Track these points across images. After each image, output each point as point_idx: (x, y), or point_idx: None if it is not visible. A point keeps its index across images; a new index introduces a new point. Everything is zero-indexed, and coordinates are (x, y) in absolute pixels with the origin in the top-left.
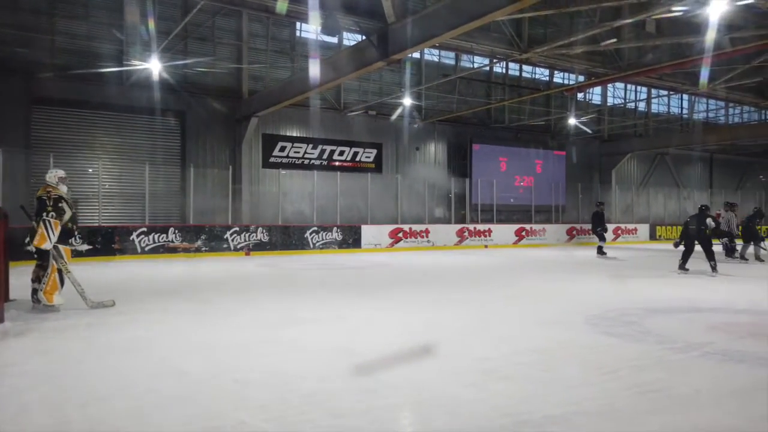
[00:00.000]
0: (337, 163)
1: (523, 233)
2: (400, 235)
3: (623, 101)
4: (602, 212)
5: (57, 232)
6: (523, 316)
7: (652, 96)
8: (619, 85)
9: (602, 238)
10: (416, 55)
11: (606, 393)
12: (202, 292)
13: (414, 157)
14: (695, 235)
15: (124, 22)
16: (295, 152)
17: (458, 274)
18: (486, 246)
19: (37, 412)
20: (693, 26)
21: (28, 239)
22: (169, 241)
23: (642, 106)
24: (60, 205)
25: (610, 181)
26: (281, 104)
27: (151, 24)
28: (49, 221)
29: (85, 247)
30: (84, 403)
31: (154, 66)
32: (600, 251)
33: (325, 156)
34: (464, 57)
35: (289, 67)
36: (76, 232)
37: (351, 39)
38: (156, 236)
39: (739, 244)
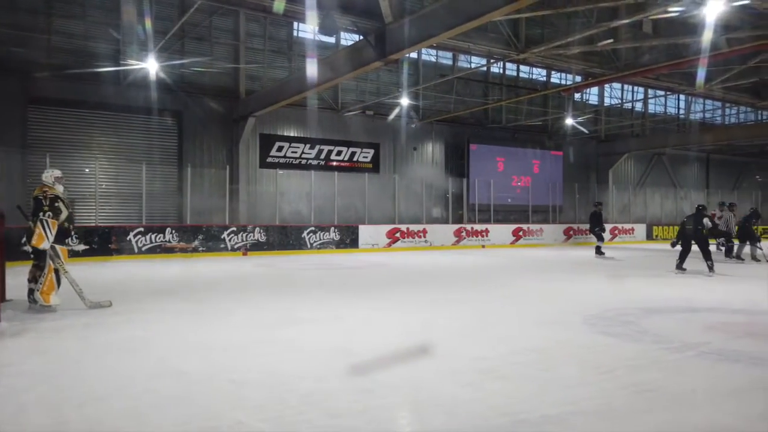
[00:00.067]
0: (334, 163)
1: (521, 233)
2: (398, 235)
3: (620, 101)
4: (600, 212)
5: (54, 231)
6: (520, 315)
7: (649, 96)
8: (616, 85)
9: (600, 238)
10: (413, 55)
11: (603, 392)
12: (199, 292)
13: (411, 157)
14: (692, 235)
15: (121, 22)
16: (292, 152)
17: (456, 274)
18: (483, 246)
19: (35, 412)
20: (689, 27)
21: (24, 239)
22: (166, 241)
23: (639, 106)
24: (56, 204)
25: (607, 181)
26: (278, 104)
27: (148, 23)
28: (46, 221)
29: (82, 247)
30: (82, 403)
31: (151, 66)
32: (598, 251)
33: (322, 156)
34: (461, 57)
35: (286, 67)
36: (72, 232)
37: (348, 39)
38: (153, 236)
39: (735, 244)
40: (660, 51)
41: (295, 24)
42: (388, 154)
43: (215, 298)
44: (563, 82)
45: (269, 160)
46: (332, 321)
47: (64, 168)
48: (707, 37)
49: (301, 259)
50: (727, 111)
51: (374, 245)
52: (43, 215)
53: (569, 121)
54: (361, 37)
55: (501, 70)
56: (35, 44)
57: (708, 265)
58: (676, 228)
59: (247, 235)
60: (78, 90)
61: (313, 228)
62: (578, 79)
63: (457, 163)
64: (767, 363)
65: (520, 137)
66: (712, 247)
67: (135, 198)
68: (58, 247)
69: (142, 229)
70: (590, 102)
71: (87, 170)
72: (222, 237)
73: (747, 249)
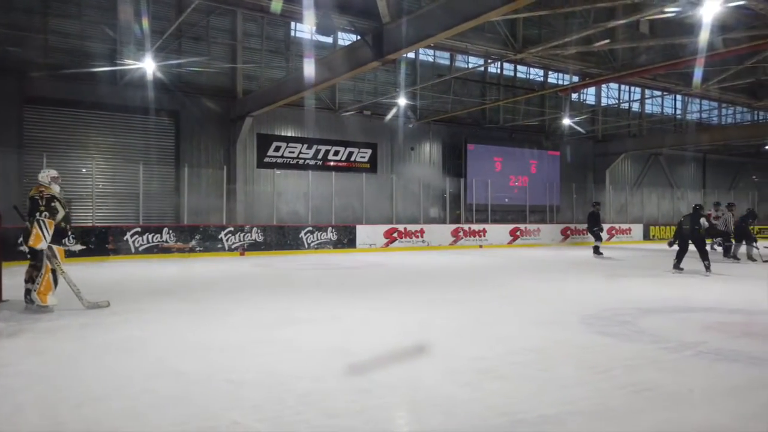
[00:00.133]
0: (332, 163)
1: (518, 233)
2: (395, 235)
3: (617, 102)
4: (598, 212)
5: (51, 231)
6: (518, 315)
7: (646, 96)
8: (613, 85)
9: (598, 238)
10: (411, 55)
11: (600, 392)
12: (196, 293)
13: (409, 157)
14: (689, 235)
15: (118, 22)
16: (289, 152)
17: (453, 274)
18: (481, 246)
19: (32, 412)
20: (686, 27)
21: (21, 239)
22: (163, 241)
23: (636, 106)
24: (53, 204)
25: (604, 181)
26: (276, 104)
27: (145, 23)
28: (43, 221)
29: (79, 247)
30: (79, 403)
31: (147, 65)
32: (596, 251)
33: (320, 156)
34: (459, 57)
35: (283, 66)
36: (69, 232)
37: (346, 39)
38: (150, 236)
39: (734, 244)
40: (657, 51)
41: (293, 24)
42: (385, 154)
43: (213, 298)
44: (560, 82)
45: (266, 160)
46: (330, 321)
47: (61, 168)
48: (704, 37)
49: (298, 259)
50: (724, 111)
51: (372, 245)
52: (40, 215)
53: (566, 121)
54: (359, 37)
55: (498, 70)
56: (31, 44)
57: (705, 264)
58: (673, 228)
59: (244, 235)
60: (74, 90)
61: (310, 228)
62: (575, 79)
63: (454, 163)
64: (765, 362)
65: (518, 137)
66: (709, 247)
67: (132, 198)
68: (55, 247)
69: (139, 229)
70: (587, 102)
71: (84, 170)
72: (219, 237)
73: (743, 249)
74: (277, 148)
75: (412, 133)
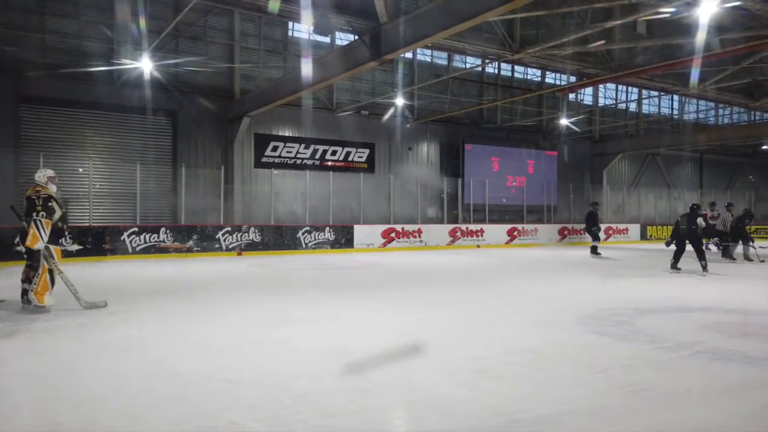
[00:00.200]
0: (329, 163)
1: (515, 233)
2: (393, 235)
3: (614, 102)
4: (596, 212)
5: (48, 231)
6: (515, 315)
7: (643, 97)
8: (611, 85)
9: (596, 238)
10: (409, 55)
11: (597, 392)
12: (194, 293)
13: (406, 157)
14: (686, 235)
15: (115, 21)
16: (287, 152)
17: (450, 274)
18: (478, 246)
19: (29, 412)
20: (683, 28)
21: (17, 239)
22: (160, 241)
23: (633, 106)
24: (50, 204)
25: (601, 181)
26: (273, 104)
27: (142, 23)
28: (40, 221)
29: (76, 247)
30: (76, 403)
31: (145, 65)
32: (594, 251)
33: (317, 156)
34: (456, 57)
35: (281, 66)
36: (66, 232)
37: (343, 39)
38: (147, 236)
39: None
40: (654, 52)
41: (290, 24)
42: (383, 154)
43: (210, 299)
44: (558, 82)
45: (264, 159)
46: (327, 321)
47: (58, 168)
48: (701, 37)
49: (296, 259)
50: (721, 111)
51: (369, 245)
52: (37, 215)
53: (564, 122)
54: (356, 37)
55: (496, 71)
56: (28, 43)
57: (702, 264)
58: (670, 228)
59: (242, 235)
60: (71, 89)
61: (308, 228)
62: (573, 79)
63: (452, 163)
64: (761, 362)
65: (515, 137)
66: (713, 247)
67: (129, 198)
68: (52, 247)
69: (136, 229)
70: (585, 102)
71: (81, 170)
72: (217, 237)
73: (739, 248)
74: (275, 148)
75: (410, 133)
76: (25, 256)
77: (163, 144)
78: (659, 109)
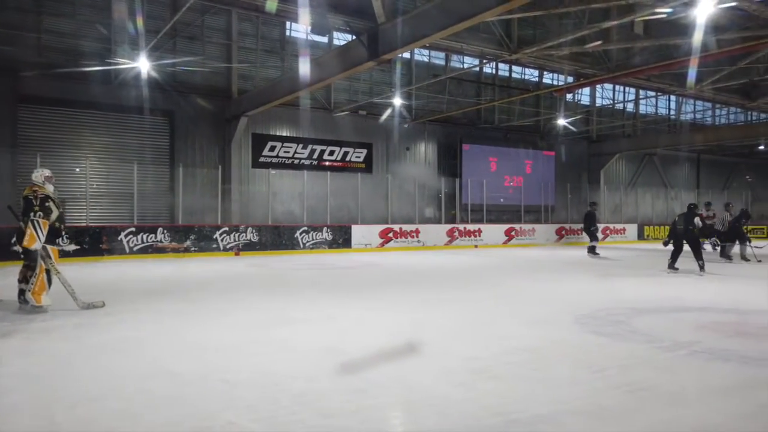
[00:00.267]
0: (327, 163)
1: (513, 233)
2: (391, 235)
3: (611, 102)
4: (594, 212)
5: (45, 231)
6: (512, 315)
7: (640, 97)
8: (608, 86)
9: (595, 238)
10: (406, 55)
11: (595, 392)
12: (191, 293)
13: (404, 157)
14: (683, 234)
15: (112, 21)
16: (285, 152)
17: (448, 274)
18: (476, 246)
19: (26, 412)
20: (680, 28)
21: (14, 239)
22: (157, 241)
23: (630, 106)
24: (47, 204)
25: (598, 181)
26: (271, 104)
27: (140, 22)
28: (37, 221)
29: (73, 247)
30: (73, 403)
31: (142, 65)
32: (592, 251)
33: (315, 156)
34: (454, 57)
35: (278, 66)
36: (63, 232)
37: (341, 39)
38: (144, 236)
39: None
40: (651, 52)
41: (288, 23)
42: (380, 154)
43: (208, 299)
44: (555, 82)
45: (262, 159)
46: (325, 321)
47: (55, 167)
48: (697, 38)
49: (293, 259)
50: (717, 112)
51: (367, 245)
52: (34, 215)
53: (561, 122)
54: (354, 37)
55: (493, 71)
56: (25, 43)
57: (699, 264)
58: (668, 228)
59: (239, 235)
60: (68, 89)
61: (305, 228)
62: (570, 79)
63: (449, 163)
64: (758, 362)
65: (513, 137)
66: (708, 247)
67: (126, 198)
68: (49, 247)
69: (133, 229)
70: (582, 102)
71: (78, 170)
72: (214, 237)
73: (736, 248)
74: (272, 148)
75: (408, 133)
76: (22, 256)
77: (160, 144)
78: (656, 109)
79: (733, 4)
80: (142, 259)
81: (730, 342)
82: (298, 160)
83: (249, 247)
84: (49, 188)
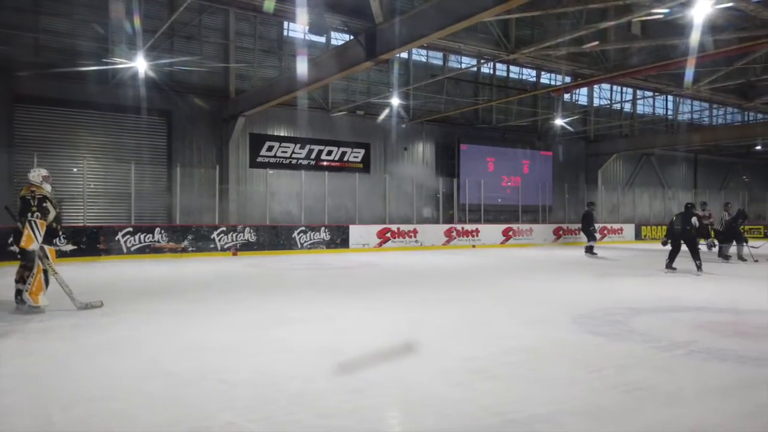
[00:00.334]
0: (324, 163)
1: (511, 233)
2: (388, 235)
3: (609, 102)
4: (592, 213)
5: (43, 232)
6: (510, 315)
7: (638, 97)
8: (605, 86)
9: (593, 238)
10: (404, 55)
11: (592, 392)
12: (189, 293)
13: (402, 157)
14: (680, 234)
15: (109, 20)
16: (282, 152)
17: (446, 274)
18: (474, 246)
19: (22, 413)
20: (677, 28)
21: (11, 240)
22: (155, 241)
23: (627, 107)
24: (44, 204)
25: (596, 181)
26: (268, 104)
27: (137, 22)
28: (34, 221)
29: (70, 247)
30: (71, 403)
31: (139, 64)
32: (590, 251)
33: (312, 156)
34: (452, 57)
35: (276, 66)
36: (60, 232)
37: (339, 39)
38: (142, 236)
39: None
40: (648, 52)
41: (286, 23)
42: (378, 154)
43: (205, 299)
44: (553, 82)
45: (259, 159)
46: (323, 321)
47: (52, 167)
48: (694, 38)
49: (291, 259)
50: (715, 112)
51: (365, 245)
52: (32, 216)
53: (559, 122)
54: (352, 37)
55: (491, 71)
56: (22, 42)
57: (696, 264)
58: (665, 228)
59: (237, 235)
60: (65, 89)
61: (303, 228)
62: (567, 79)
63: (447, 163)
64: (755, 362)
65: (510, 137)
66: (703, 247)
67: (123, 198)
68: (46, 247)
69: (131, 229)
70: (579, 102)
71: (75, 170)
72: (212, 237)
73: (733, 248)
74: (270, 148)
75: (405, 133)
76: (19, 256)
77: (157, 144)
78: (654, 109)
79: (730, 4)
80: (139, 259)
81: (727, 342)
82: (295, 160)
83: (246, 247)
84: (47, 188)
